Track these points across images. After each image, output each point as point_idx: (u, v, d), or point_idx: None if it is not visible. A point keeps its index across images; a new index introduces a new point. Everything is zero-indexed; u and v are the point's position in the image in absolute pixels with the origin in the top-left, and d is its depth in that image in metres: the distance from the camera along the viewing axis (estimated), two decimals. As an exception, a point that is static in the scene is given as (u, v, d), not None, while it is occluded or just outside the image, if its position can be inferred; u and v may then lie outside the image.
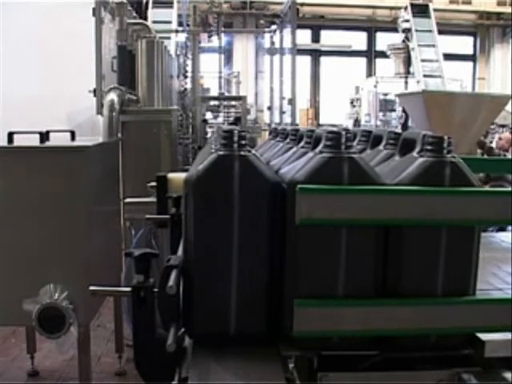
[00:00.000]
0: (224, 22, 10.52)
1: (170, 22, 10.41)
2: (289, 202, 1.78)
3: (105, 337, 5.41)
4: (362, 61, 18.36)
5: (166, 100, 6.23)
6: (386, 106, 15.38)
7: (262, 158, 2.01)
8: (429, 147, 1.84)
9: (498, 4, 17.19)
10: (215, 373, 1.72)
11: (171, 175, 3.36)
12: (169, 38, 9.10)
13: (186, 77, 7.85)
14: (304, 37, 16.89)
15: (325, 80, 18.25)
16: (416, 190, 1.78)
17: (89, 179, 3.64)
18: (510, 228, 4.68)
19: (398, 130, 5.60)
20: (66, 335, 3.38)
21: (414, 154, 1.89)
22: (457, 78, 15.32)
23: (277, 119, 11.99)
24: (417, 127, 8.64)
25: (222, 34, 10.26)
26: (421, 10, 15.18)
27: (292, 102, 9.96)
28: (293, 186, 1.75)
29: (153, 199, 3.43)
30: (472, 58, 18.48)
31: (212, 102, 9.97)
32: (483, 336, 1.83)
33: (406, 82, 15.09)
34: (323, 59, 18.21)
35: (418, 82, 14.18)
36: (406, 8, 15.22)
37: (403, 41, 15.37)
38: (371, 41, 18.17)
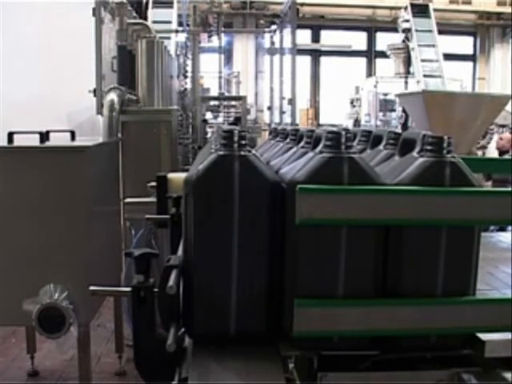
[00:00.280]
0: (224, 21, 10.50)
1: (170, 22, 10.40)
2: (289, 202, 1.78)
3: (105, 337, 5.41)
4: (362, 61, 18.34)
5: (165, 100, 6.23)
6: (386, 105, 15.36)
7: (261, 158, 2.01)
8: (429, 147, 1.85)
9: (498, 4, 17.17)
10: (215, 373, 1.72)
11: (171, 175, 3.36)
12: (169, 37, 9.10)
13: (186, 77, 7.85)
14: (304, 37, 16.87)
15: (325, 80, 18.22)
16: (416, 189, 1.78)
17: (89, 179, 3.64)
18: (510, 228, 4.68)
19: (398, 130, 5.61)
20: (65, 335, 3.38)
21: (414, 154, 1.89)
22: (457, 78, 15.29)
23: (277, 119, 11.99)
24: (417, 127, 8.64)
25: (222, 34, 10.25)
26: (421, 10, 15.16)
27: (292, 102, 9.96)
28: (293, 186, 1.75)
29: (153, 199, 3.43)
30: (472, 57, 18.46)
31: (212, 102, 9.97)
32: (483, 336, 1.83)
33: (406, 82, 15.07)
34: (323, 59, 18.19)
35: (418, 82, 14.16)
36: (406, 8, 15.20)
37: (403, 41, 15.35)
38: (371, 41, 18.15)
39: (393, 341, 1.84)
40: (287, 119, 10.65)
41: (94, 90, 5.63)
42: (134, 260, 1.90)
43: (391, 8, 16.73)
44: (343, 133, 1.82)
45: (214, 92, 11.22)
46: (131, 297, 1.86)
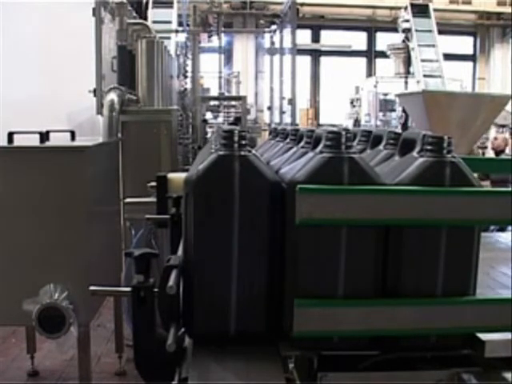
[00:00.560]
0: (224, 21, 10.50)
1: (170, 22, 10.40)
2: (289, 201, 1.78)
3: (105, 337, 5.41)
4: (362, 61, 18.34)
5: (165, 100, 6.23)
6: (386, 105, 15.37)
7: (262, 158, 2.01)
8: (429, 147, 1.85)
9: (498, 4, 17.18)
10: (215, 373, 1.72)
11: (171, 175, 3.36)
12: (169, 37, 9.10)
13: (186, 77, 7.85)
14: (304, 37, 16.88)
15: (325, 80, 18.23)
16: (416, 189, 1.78)
17: (89, 179, 3.64)
18: (510, 228, 4.68)
19: (398, 130, 5.61)
20: (65, 335, 3.38)
21: (414, 153, 1.89)
22: (457, 78, 15.30)
23: (277, 119, 11.99)
24: (417, 127, 8.64)
25: (222, 34, 10.25)
26: (421, 10, 15.17)
27: (292, 102, 9.97)
28: (293, 186, 1.75)
29: (153, 199, 3.43)
30: (472, 57, 18.47)
31: (212, 102, 9.97)
32: (483, 336, 1.82)
33: (406, 82, 15.08)
34: (323, 59, 18.20)
35: (418, 82, 14.17)
36: (406, 8, 15.21)
37: (403, 41, 15.36)
38: (371, 41, 18.16)
39: (393, 341, 1.84)
40: (287, 119, 10.65)
41: (94, 90, 5.63)
42: (134, 260, 1.90)
43: (391, 8, 16.74)
44: (343, 133, 1.82)
45: (214, 92, 11.22)
46: (131, 297, 1.86)
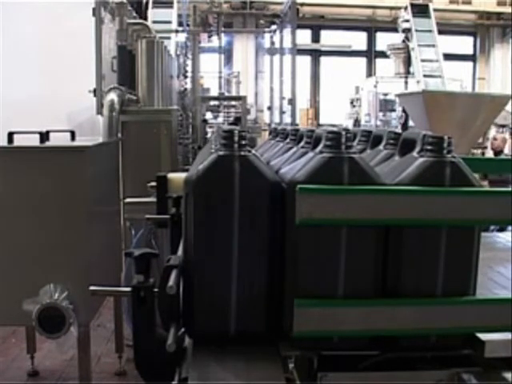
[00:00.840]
0: (224, 21, 10.50)
1: (170, 22, 10.40)
2: (289, 201, 1.78)
3: (105, 337, 5.41)
4: (362, 61, 18.34)
5: (165, 100, 6.23)
6: (386, 106, 15.36)
7: (262, 158, 2.01)
8: (429, 147, 1.85)
9: (498, 4, 17.17)
10: (215, 373, 1.72)
11: (171, 175, 3.36)
12: (169, 37, 9.10)
13: (186, 77, 7.86)
14: (304, 37, 16.88)
15: (325, 80, 18.23)
16: (416, 189, 1.78)
17: (89, 179, 3.64)
18: (510, 228, 4.67)
19: (398, 130, 5.61)
20: (65, 335, 3.38)
21: (414, 154, 1.89)
22: (457, 78, 15.30)
23: (277, 119, 11.99)
24: (417, 127, 8.64)
25: (222, 34, 10.25)
26: (421, 10, 15.16)
27: (292, 102, 9.97)
28: (293, 186, 1.75)
29: (153, 199, 3.43)
30: (472, 57, 18.47)
31: (212, 102, 9.97)
32: (483, 336, 1.82)
33: (406, 82, 15.07)
34: (323, 59, 18.20)
35: (418, 82, 14.16)
36: (406, 8, 15.20)
37: (403, 41, 15.35)
38: (371, 41, 18.15)
39: (393, 341, 1.84)
40: (287, 119, 10.65)
41: (94, 90, 5.63)
42: (134, 260, 1.90)
43: (391, 8, 16.73)
44: (343, 133, 1.82)
45: (214, 92, 11.22)
46: (131, 297, 1.86)
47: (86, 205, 3.59)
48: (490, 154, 10.17)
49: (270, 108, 13.00)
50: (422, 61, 14.41)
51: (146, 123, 5.39)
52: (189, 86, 7.84)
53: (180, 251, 2.10)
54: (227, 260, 1.81)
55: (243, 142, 1.85)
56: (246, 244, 1.81)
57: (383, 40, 17.29)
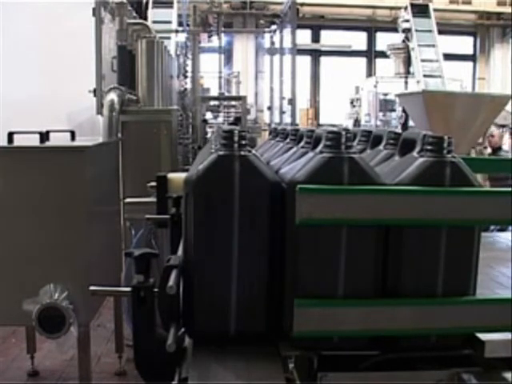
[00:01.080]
0: (224, 21, 10.49)
1: (170, 22, 10.40)
2: (289, 201, 1.78)
3: (105, 337, 5.41)
4: (362, 61, 18.33)
5: (165, 100, 6.23)
6: (386, 106, 15.35)
7: (262, 158, 2.01)
8: (429, 147, 1.84)
9: (498, 4, 17.16)
10: (215, 373, 1.72)
11: (171, 175, 3.36)
12: (169, 37, 9.10)
13: (186, 77, 7.86)
14: (304, 37, 16.87)
15: (325, 80, 18.23)
16: (416, 189, 1.78)
17: (89, 179, 3.64)
18: (510, 228, 4.67)
19: (398, 130, 5.61)
20: (65, 335, 3.38)
21: (414, 153, 1.89)
22: (457, 78, 15.29)
23: (277, 119, 11.99)
24: (417, 127, 8.63)
25: (222, 34, 10.25)
26: (421, 10, 15.16)
27: (292, 102, 9.97)
28: (293, 186, 1.75)
29: (153, 199, 3.43)
30: (472, 57, 18.46)
31: (212, 102, 9.97)
32: (483, 336, 1.82)
33: (406, 82, 15.06)
34: (323, 59, 18.19)
35: (418, 82, 14.15)
36: (406, 8, 15.19)
37: (403, 41, 15.34)
38: (371, 41, 18.15)
39: (393, 341, 1.84)
40: (287, 119, 10.65)
41: (94, 90, 5.63)
42: (134, 260, 1.90)
43: (391, 8, 16.72)
44: (343, 133, 1.82)
45: (214, 92, 11.22)
46: (131, 297, 1.86)
47: (85, 205, 3.59)
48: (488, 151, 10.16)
49: (269, 108, 13.00)
50: (422, 61, 14.40)
51: (146, 123, 5.39)
52: (189, 86, 7.84)
53: (180, 251, 2.10)
54: (227, 260, 1.81)
55: (243, 142, 1.85)
56: (246, 244, 1.81)
57: (383, 40, 17.28)
